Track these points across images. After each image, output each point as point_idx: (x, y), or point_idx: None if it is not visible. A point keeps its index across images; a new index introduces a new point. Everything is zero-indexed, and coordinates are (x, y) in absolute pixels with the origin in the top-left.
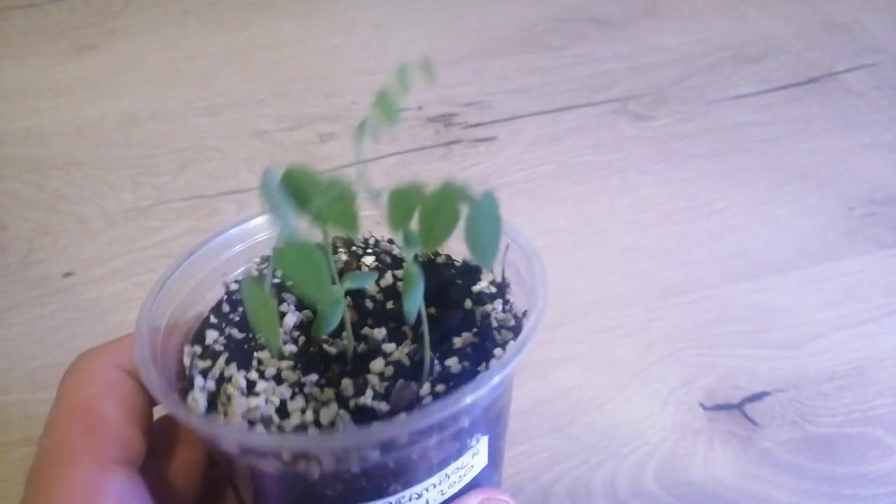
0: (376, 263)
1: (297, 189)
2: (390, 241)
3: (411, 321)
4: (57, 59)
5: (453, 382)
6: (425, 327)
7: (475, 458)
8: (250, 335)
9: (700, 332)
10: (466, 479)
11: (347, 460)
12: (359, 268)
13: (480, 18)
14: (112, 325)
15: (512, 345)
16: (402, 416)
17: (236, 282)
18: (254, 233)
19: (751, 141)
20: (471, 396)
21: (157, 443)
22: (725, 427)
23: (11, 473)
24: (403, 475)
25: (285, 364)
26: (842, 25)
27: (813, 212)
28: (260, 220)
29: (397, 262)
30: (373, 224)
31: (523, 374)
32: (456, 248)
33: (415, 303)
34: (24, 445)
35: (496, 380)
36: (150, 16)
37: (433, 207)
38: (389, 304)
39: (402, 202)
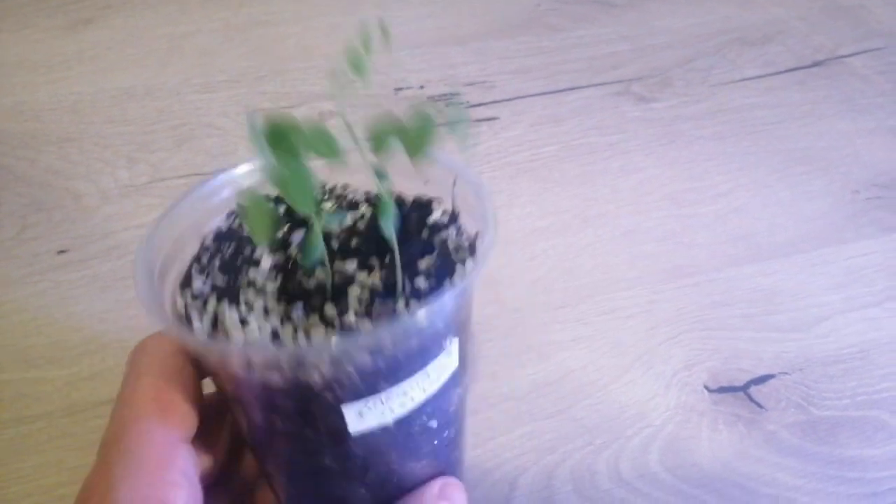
0: (335, 208)
1: (279, 134)
2: (344, 187)
3: (392, 241)
4: (53, 33)
5: (424, 298)
6: (396, 251)
7: (449, 359)
8: (232, 279)
9: (704, 315)
10: (443, 379)
11: (344, 365)
12: (318, 212)
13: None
14: (107, 303)
15: (470, 261)
16: (387, 324)
17: (210, 234)
18: (223, 187)
19: (755, 124)
20: (441, 304)
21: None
22: (730, 410)
23: (3, 450)
24: (392, 375)
25: (271, 300)
26: (847, 9)
27: (817, 195)
28: (229, 175)
29: (354, 205)
30: (325, 172)
31: (526, 356)
32: (404, 186)
33: (389, 225)
34: (17, 424)
35: (461, 286)
36: None
37: (411, 130)
38: (353, 243)
39: (382, 130)
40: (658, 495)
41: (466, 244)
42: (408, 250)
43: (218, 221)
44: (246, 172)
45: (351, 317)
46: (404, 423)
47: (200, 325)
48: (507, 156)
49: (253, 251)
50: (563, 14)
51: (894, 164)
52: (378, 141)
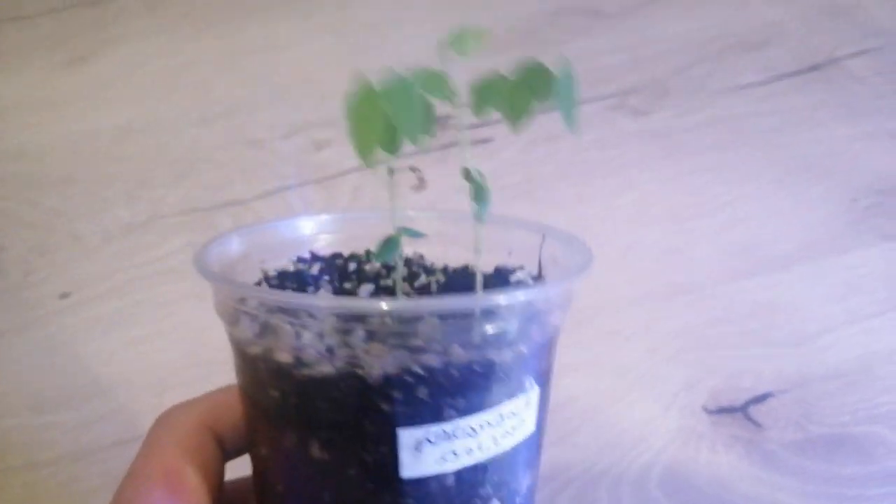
0: (406, 272)
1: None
2: (420, 256)
3: (482, 221)
4: (50, 72)
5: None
6: (479, 246)
7: (527, 409)
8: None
9: (704, 332)
10: (518, 437)
11: (417, 355)
12: (389, 275)
13: (476, 14)
14: (112, 344)
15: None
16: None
17: (275, 270)
18: (300, 229)
19: (753, 132)
20: (545, 290)
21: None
22: (729, 431)
23: (14, 498)
24: (461, 393)
25: (326, 325)
26: (844, 9)
27: (817, 204)
28: (308, 221)
29: (430, 271)
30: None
31: None
32: (484, 259)
33: (484, 210)
34: (28, 470)
35: (564, 286)
36: (143, 24)
37: (517, 85)
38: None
39: (487, 88)
40: None
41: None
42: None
43: (284, 263)
44: (320, 223)
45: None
46: (466, 483)
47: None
48: (502, 177)
49: (316, 291)
50: (557, 27)
51: (893, 169)
52: (482, 98)
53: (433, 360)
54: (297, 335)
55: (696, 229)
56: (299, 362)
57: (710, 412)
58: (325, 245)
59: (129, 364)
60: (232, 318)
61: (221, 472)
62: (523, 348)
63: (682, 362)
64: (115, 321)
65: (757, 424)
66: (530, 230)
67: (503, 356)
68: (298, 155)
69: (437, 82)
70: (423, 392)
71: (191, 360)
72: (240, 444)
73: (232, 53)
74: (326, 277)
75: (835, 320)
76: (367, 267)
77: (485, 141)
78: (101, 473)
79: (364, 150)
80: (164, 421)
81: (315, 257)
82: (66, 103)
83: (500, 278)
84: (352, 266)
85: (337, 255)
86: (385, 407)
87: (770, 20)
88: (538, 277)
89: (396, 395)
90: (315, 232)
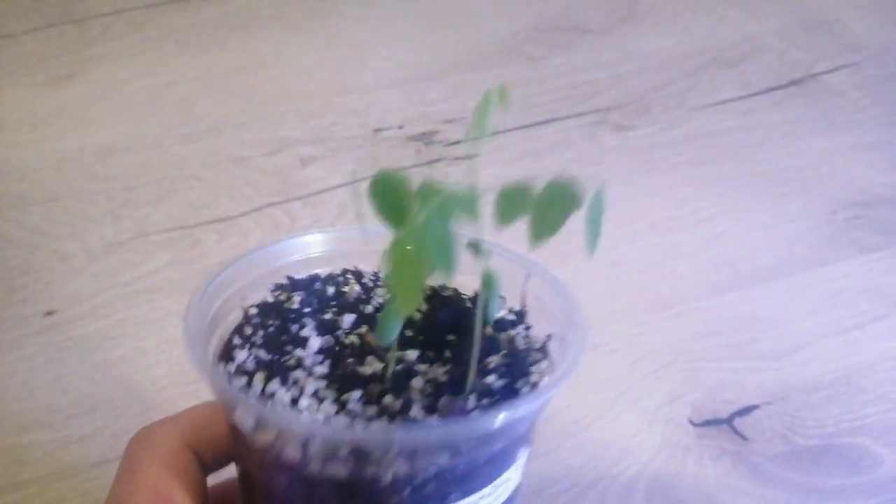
0: (388, 296)
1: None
2: None
3: (490, 322)
4: (34, 90)
5: (498, 396)
6: (476, 336)
7: (516, 472)
8: (276, 357)
9: (687, 346)
10: (504, 496)
11: (425, 460)
12: (369, 300)
13: (459, 31)
14: (95, 364)
15: (545, 362)
16: (491, 412)
17: (254, 306)
18: (274, 258)
19: (734, 147)
20: (541, 398)
21: None
22: (715, 443)
23: None
24: (467, 482)
25: (321, 383)
26: (823, 24)
27: (796, 217)
28: (276, 247)
29: None
30: (375, 257)
31: None
32: (462, 280)
33: (492, 307)
34: (12, 490)
35: (561, 386)
36: (128, 42)
37: (545, 201)
38: (408, 332)
39: (512, 199)
40: None
41: (538, 345)
42: (471, 346)
43: (263, 294)
44: (295, 245)
45: (417, 412)
46: None
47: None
48: (486, 193)
49: (300, 329)
50: (539, 43)
51: (872, 181)
52: (506, 209)
53: (440, 461)
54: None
55: (678, 244)
56: (304, 459)
57: (695, 425)
58: (302, 265)
59: (113, 382)
60: (228, 406)
61: (205, 490)
62: (521, 427)
63: (666, 376)
64: (100, 339)
65: (743, 437)
66: (511, 260)
67: (504, 441)
68: (283, 171)
69: (468, 206)
70: (430, 486)
71: (175, 379)
72: (220, 459)
73: (216, 71)
74: (307, 309)
75: (816, 333)
76: (346, 289)
77: (469, 157)
78: (86, 492)
79: (410, 306)
80: (144, 440)
81: (293, 283)
82: (50, 121)
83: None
84: (330, 290)
85: (314, 279)
86: (394, 500)
87: (749, 36)
88: (521, 314)
89: (405, 491)
90: (291, 254)
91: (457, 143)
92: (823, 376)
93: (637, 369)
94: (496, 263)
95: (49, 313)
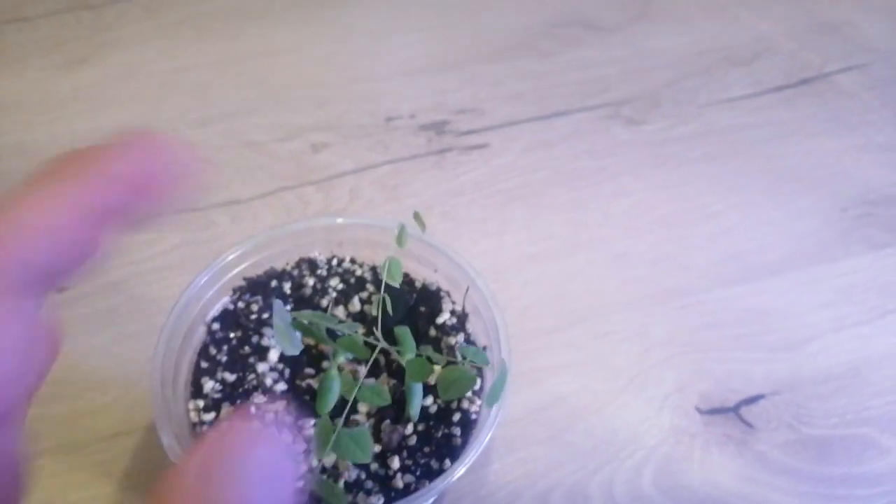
0: (342, 285)
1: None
2: (352, 261)
3: (414, 419)
4: (50, 72)
5: (433, 422)
6: (412, 399)
7: None
8: (240, 375)
9: (696, 337)
10: None
11: None
12: (325, 291)
13: (473, 24)
14: (106, 339)
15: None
16: None
17: (214, 319)
18: (224, 272)
19: (744, 143)
20: (434, 492)
21: None
22: (722, 430)
23: None
24: None
25: (280, 406)
26: (834, 26)
27: (807, 213)
28: (228, 258)
29: (361, 284)
30: (334, 245)
31: (519, 382)
32: (412, 266)
33: (417, 402)
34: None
35: (456, 475)
36: (143, 27)
37: (454, 375)
38: (360, 331)
39: (446, 378)
40: None
41: (474, 353)
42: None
43: (224, 301)
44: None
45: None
46: None
47: None
48: (497, 183)
49: (260, 339)
50: (553, 38)
51: (882, 180)
52: (418, 377)
53: None
54: None
55: (688, 237)
56: None
57: (702, 412)
58: (255, 262)
59: (123, 356)
60: None
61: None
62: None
63: (674, 365)
64: (112, 316)
65: (749, 425)
66: (456, 261)
67: None
68: (296, 156)
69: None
70: None
71: None
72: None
73: (230, 58)
74: (266, 315)
75: (825, 327)
76: (303, 282)
77: (481, 146)
78: (96, 463)
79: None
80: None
81: (251, 284)
82: (65, 103)
83: (428, 312)
84: (287, 286)
85: (271, 275)
86: None
87: (760, 35)
88: (463, 316)
89: None
90: (244, 254)
91: (469, 132)
92: (831, 369)
93: (646, 358)
94: (440, 260)
95: (62, 289)
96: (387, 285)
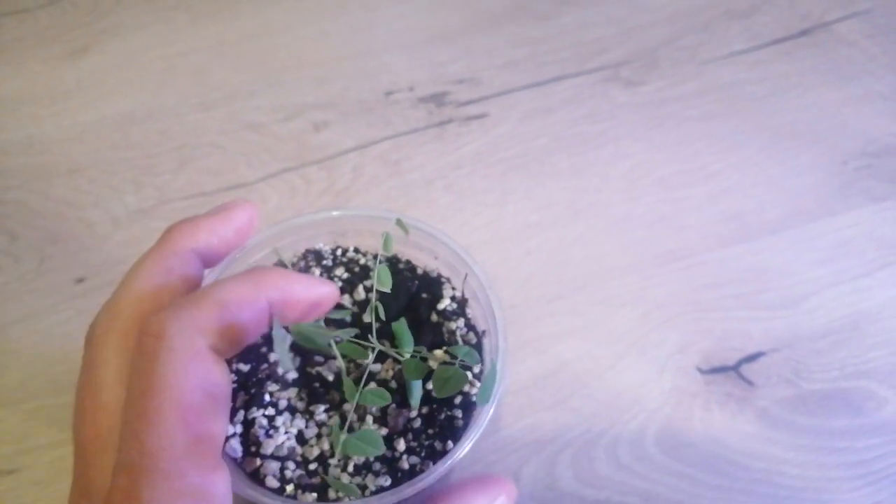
0: (347, 274)
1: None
2: (356, 251)
3: (415, 406)
4: (52, 63)
5: (435, 405)
6: (413, 393)
7: None
8: (255, 365)
9: (696, 297)
10: None
11: None
12: (331, 278)
13: None
14: None
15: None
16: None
17: None
18: (236, 266)
19: (744, 100)
20: (430, 478)
21: None
22: (722, 389)
23: (44, 476)
24: None
25: (293, 392)
26: None
27: (806, 169)
28: (238, 254)
29: (365, 272)
30: (338, 235)
31: (524, 351)
32: (414, 254)
33: (417, 395)
34: (53, 448)
35: (449, 463)
36: (140, 12)
37: (447, 374)
38: (365, 318)
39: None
40: (655, 476)
41: (474, 339)
42: (418, 339)
43: None
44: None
45: (370, 424)
46: None
47: (235, 440)
48: (498, 152)
49: (271, 329)
50: (548, 0)
51: (883, 130)
52: (414, 375)
53: None
54: None
55: (687, 198)
56: None
57: (703, 372)
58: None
59: None
60: None
61: (230, 390)
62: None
63: (675, 326)
64: None
65: (749, 382)
66: (455, 250)
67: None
68: (298, 136)
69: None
70: None
71: None
72: (242, 343)
73: (228, 39)
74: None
75: (824, 282)
76: (309, 273)
77: (480, 116)
78: None
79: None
80: (162, 337)
81: None
82: (69, 94)
83: (429, 299)
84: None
85: (280, 266)
86: None
87: None
88: (463, 302)
89: None
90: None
91: (468, 103)
92: (831, 324)
93: (647, 321)
94: (440, 247)
95: (80, 280)
96: (389, 266)
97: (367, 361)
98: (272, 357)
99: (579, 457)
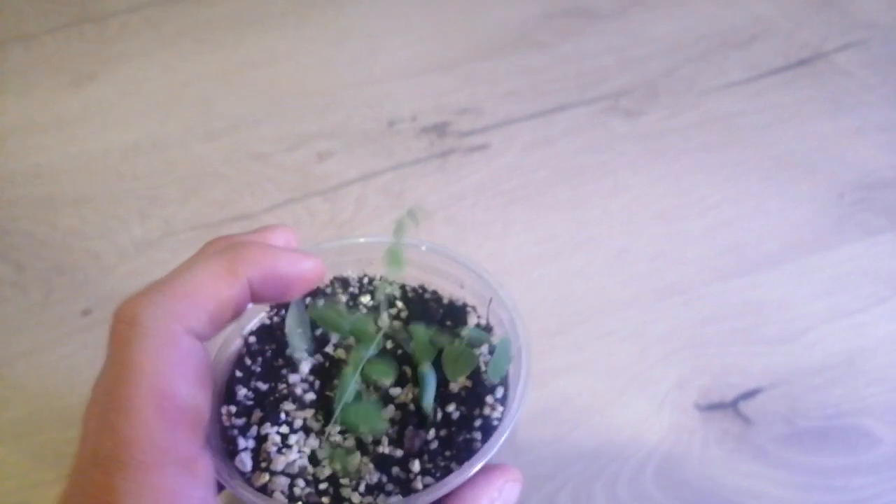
0: (372, 302)
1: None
2: (382, 279)
3: (429, 414)
4: (58, 92)
5: (454, 428)
6: (430, 414)
7: None
8: (273, 385)
9: (695, 332)
10: None
11: None
12: (356, 308)
13: (470, 20)
14: None
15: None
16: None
17: (251, 333)
18: None
19: (742, 130)
20: (454, 482)
21: None
22: (720, 426)
23: None
24: None
25: (309, 413)
26: (831, 3)
27: (803, 201)
28: None
29: (390, 301)
30: (366, 263)
31: None
32: (439, 283)
33: (430, 398)
34: (60, 483)
35: (477, 467)
36: (145, 40)
37: (456, 353)
38: (389, 344)
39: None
40: None
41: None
42: (440, 368)
43: (261, 316)
44: None
45: (385, 446)
46: None
47: (246, 454)
48: (499, 184)
49: (293, 351)
50: (549, 29)
51: (879, 163)
52: (448, 365)
53: None
54: None
55: (686, 231)
56: None
57: (701, 409)
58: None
59: None
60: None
61: (209, 371)
62: None
63: (674, 362)
64: None
65: (746, 419)
66: (479, 275)
67: None
68: (302, 167)
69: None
70: None
71: None
72: (220, 325)
73: (232, 68)
74: (300, 330)
75: (821, 317)
76: (335, 299)
77: (482, 147)
78: None
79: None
80: (134, 323)
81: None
82: (75, 123)
83: (453, 324)
84: (320, 304)
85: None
86: None
87: (757, 16)
88: (488, 329)
89: None
90: None
91: (470, 133)
92: (827, 359)
93: (647, 356)
94: (466, 274)
95: (86, 312)
96: (413, 299)
97: (387, 383)
98: (291, 378)
99: (578, 494)
